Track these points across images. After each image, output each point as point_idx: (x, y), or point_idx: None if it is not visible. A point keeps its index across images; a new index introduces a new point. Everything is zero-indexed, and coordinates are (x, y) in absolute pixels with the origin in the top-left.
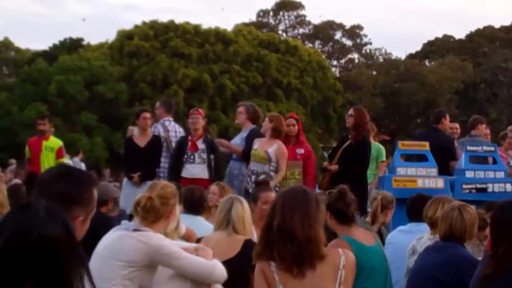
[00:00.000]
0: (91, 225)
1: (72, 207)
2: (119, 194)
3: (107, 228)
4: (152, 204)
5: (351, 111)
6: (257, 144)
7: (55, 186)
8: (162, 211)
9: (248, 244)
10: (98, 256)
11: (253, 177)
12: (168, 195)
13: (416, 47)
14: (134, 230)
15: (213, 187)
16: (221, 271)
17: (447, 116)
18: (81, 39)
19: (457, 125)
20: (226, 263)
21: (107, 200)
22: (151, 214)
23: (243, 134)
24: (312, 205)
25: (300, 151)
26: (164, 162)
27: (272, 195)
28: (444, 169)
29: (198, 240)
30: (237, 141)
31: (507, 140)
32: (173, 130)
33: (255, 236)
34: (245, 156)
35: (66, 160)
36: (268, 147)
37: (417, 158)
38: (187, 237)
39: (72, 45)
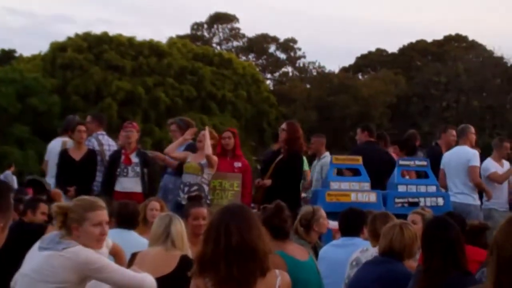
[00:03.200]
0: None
1: None
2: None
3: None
4: None
5: (284, 126)
6: (190, 158)
7: None
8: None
9: (184, 259)
10: (28, 279)
11: (185, 189)
12: None
13: (349, 60)
14: (63, 249)
15: (154, 203)
16: (151, 283)
17: None
18: (14, 51)
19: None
20: (163, 278)
21: None
22: None
23: (181, 148)
24: (251, 222)
25: (238, 164)
26: (99, 176)
27: (204, 210)
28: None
29: (133, 255)
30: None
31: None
32: (107, 144)
33: (189, 253)
34: (180, 169)
35: None
36: (201, 159)
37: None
38: (113, 252)
39: (5, 57)
